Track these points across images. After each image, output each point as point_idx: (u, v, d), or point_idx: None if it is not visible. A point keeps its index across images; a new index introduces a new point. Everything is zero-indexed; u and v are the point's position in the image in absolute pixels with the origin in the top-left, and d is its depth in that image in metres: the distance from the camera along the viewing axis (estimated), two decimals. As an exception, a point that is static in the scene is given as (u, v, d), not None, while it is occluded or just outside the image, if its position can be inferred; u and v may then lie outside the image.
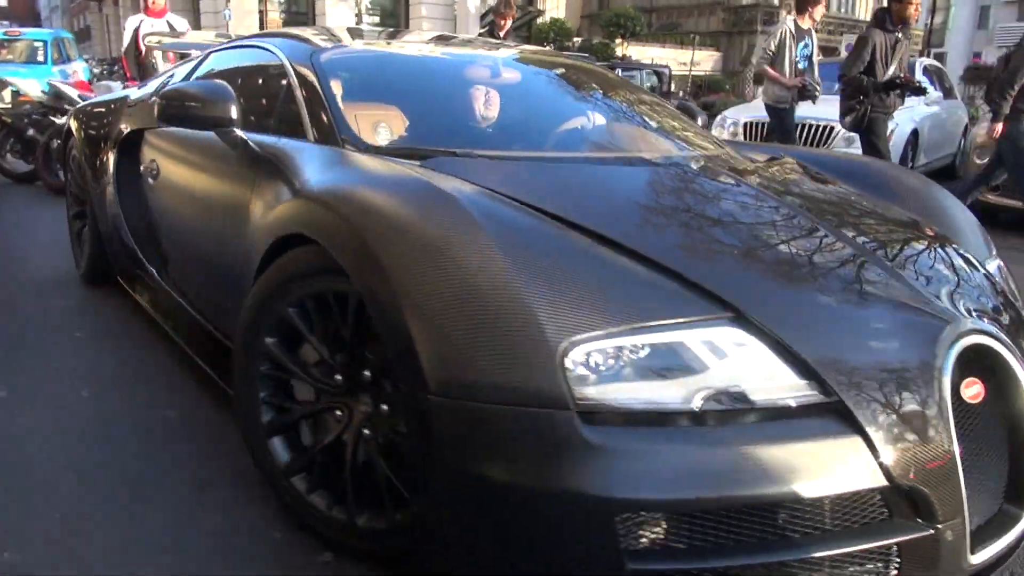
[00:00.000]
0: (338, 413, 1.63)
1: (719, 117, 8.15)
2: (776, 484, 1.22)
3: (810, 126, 7.23)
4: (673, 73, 15.12)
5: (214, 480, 1.94)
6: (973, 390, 1.42)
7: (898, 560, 1.30)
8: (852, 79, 5.57)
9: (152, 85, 3.38)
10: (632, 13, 21.44)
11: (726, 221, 1.78)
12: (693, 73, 23.31)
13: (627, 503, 1.20)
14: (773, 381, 1.30)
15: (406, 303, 1.32)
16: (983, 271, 1.93)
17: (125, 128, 3.08)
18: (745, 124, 7.53)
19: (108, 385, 2.53)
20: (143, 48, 6.32)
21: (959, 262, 1.87)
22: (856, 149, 7.03)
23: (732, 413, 1.27)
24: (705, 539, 1.23)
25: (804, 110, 7.46)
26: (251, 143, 2.16)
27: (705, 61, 30.40)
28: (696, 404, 1.26)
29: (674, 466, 1.22)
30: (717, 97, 15.96)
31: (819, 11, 6.33)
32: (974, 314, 1.58)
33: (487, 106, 2.64)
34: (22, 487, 1.89)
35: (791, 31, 6.16)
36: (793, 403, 1.29)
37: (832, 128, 7.11)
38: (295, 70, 2.33)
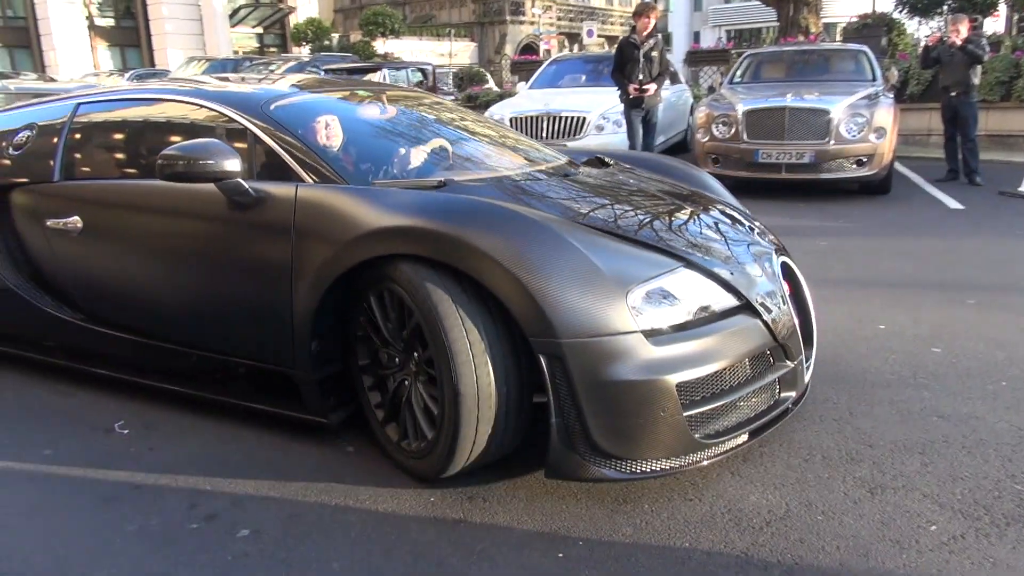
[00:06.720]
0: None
1: (487, 112, 8.76)
2: (732, 352, 2.10)
3: (564, 118, 8.11)
4: (436, 67, 15.67)
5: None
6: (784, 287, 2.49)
7: (779, 386, 2.28)
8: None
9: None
10: (390, 12, 21.73)
11: (638, 204, 2.60)
12: (453, 63, 24.12)
13: (679, 380, 1.98)
14: (716, 297, 2.16)
15: (532, 285, 1.93)
16: (748, 217, 2.91)
17: None
18: (511, 119, 8.22)
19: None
20: None
21: (739, 214, 2.84)
22: (607, 135, 8.03)
23: (704, 319, 2.10)
24: (711, 389, 2.08)
25: (558, 103, 8.38)
26: (266, 190, 2.38)
27: (462, 52, 31.45)
28: (688, 316, 2.08)
29: (690, 353, 2.02)
30: (479, 89, 16.75)
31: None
32: (770, 242, 2.66)
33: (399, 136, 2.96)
34: None
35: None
36: (724, 307, 2.16)
37: (584, 118, 8.06)
38: (252, 121, 2.56)
